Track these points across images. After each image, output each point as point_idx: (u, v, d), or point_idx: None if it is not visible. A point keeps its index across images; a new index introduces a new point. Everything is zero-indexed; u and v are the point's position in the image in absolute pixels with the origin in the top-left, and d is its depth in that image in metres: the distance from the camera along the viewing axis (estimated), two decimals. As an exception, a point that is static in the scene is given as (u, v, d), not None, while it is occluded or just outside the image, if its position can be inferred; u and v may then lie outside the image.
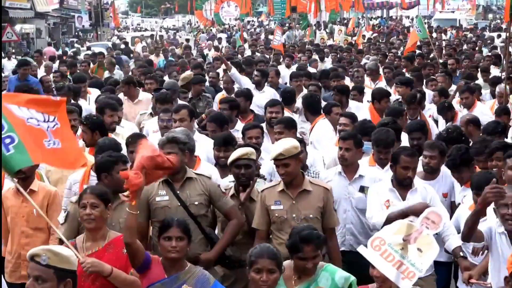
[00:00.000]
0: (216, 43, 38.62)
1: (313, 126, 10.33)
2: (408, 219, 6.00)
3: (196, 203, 6.56)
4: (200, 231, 6.55)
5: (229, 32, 49.35)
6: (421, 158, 7.68)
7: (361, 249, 5.39)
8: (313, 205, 6.59)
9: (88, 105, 12.09)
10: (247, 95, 11.18)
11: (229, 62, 15.00)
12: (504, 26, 35.80)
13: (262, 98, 12.49)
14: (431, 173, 7.75)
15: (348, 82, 14.64)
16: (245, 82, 14.04)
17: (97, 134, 8.49)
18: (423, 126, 8.96)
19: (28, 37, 44.61)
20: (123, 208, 6.20)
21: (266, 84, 13.81)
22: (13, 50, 35.11)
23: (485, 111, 11.52)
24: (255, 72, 13.99)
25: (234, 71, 14.19)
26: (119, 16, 70.94)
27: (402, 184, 7.08)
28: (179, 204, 6.52)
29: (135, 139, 7.72)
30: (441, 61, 19.32)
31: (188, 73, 14.66)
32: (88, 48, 34.07)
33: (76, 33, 56.46)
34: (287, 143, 6.63)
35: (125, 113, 11.16)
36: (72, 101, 11.48)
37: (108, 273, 5.63)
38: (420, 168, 7.69)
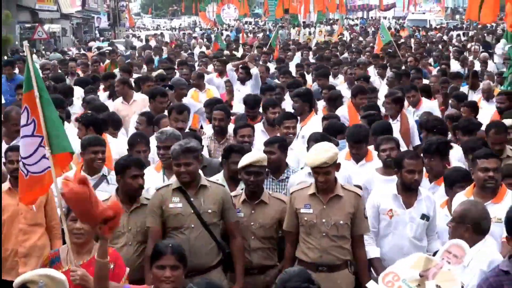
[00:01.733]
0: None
1: (306, 122, 9.22)
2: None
3: (210, 211, 5.69)
4: (213, 239, 5.72)
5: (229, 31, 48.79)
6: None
7: (370, 285, 4.41)
8: (344, 211, 5.64)
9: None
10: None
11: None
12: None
13: (246, 91, 11.97)
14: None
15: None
16: (234, 77, 13.38)
17: (92, 131, 7.81)
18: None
19: (55, 36, 44.30)
20: (139, 212, 5.76)
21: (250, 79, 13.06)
22: (43, 47, 35.48)
23: (433, 107, 10.63)
24: (240, 70, 13.33)
25: (229, 67, 13.52)
26: (133, 17, 70.33)
27: (409, 189, 6.04)
28: (192, 211, 5.66)
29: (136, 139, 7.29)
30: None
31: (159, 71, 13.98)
32: (111, 44, 33.76)
33: (96, 32, 55.96)
34: (329, 150, 5.63)
35: (122, 115, 10.00)
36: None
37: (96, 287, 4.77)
38: (380, 164, 6.98)
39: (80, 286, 4.83)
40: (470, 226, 5.01)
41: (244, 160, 6.00)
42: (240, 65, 13.20)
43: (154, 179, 6.53)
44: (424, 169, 6.54)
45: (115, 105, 10.67)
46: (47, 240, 6.43)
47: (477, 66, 16.93)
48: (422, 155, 6.72)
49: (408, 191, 6.06)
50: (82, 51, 29.54)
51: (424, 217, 5.99)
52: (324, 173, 5.60)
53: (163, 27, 61.57)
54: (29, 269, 5.84)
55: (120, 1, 65.39)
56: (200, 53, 23.22)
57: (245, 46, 26.54)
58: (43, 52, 31.91)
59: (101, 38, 47.76)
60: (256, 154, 6.16)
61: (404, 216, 6.03)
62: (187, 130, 8.19)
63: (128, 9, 64.42)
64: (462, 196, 5.83)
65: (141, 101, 10.69)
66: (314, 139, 6.82)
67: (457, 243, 4.59)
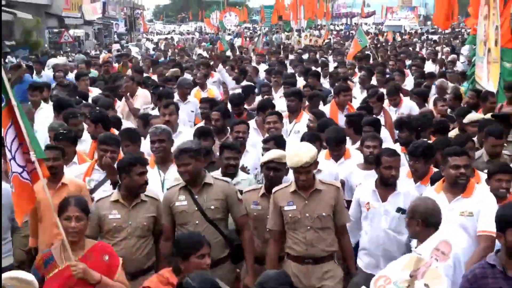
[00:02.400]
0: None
1: (299, 119, 8.74)
2: (416, 253, 4.35)
3: (212, 207, 5.30)
4: (219, 234, 5.32)
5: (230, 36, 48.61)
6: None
7: None
8: (325, 204, 5.27)
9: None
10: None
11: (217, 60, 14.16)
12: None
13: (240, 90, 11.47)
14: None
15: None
16: (227, 78, 13.16)
17: (100, 127, 7.32)
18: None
19: (79, 39, 44.00)
20: (139, 208, 5.34)
21: (244, 79, 12.90)
22: (69, 49, 35.67)
23: (413, 106, 10.06)
24: (236, 70, 13.12)
25: (220, 68, 13.30)
26: (146, 23, 70.11)
27: (386, 184, 5.65)
28: (196, 208, 5.28)
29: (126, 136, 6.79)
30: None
31: (173, 70, 13.72)
32: (123, 47, 33.69)
33: (115, 36, 55.69)
34: (310, 150, 5.26)
35: (127, 110, 9.97)
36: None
37: (98, 280, 4.42)
38: (358, 161, 6.63)
39: (81, 283, 4.44)
40: (420, 221, 4.61)
41: (266, 156, 5.66)
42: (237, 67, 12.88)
43: (150, 175, 6.05)
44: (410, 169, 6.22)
45: (122, 101, 10.38)
46: None
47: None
48: (408, 153, 6.34)
49: (386, 186, 5.66)
50: (98, 53, 29.41)
51: (399, 210, 5.55)
52: (306, 172, 5.22)
53: (172, 31, 61.52)
54: None
55: (135, 9, 65.83)
56: (198, 55, 22.82)
57: (243, 48, 26.26)
58: (69, 53, 31.74)
59: (122, 42, 47.63)
60: (278, 152, 5.70)
61: (380, 209, 5.63)
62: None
63: (143, 16, 64.91)
64: (432, 192, 5.42)
65: (143, 97, 10.48)
66: (307, 139, 6.48)
67: (445, 240, 4.21)
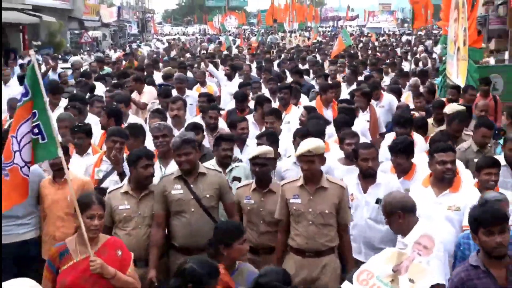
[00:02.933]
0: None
1: (288, 111, 8.53)
2: (399, 247, 4.00)
3: (208, 195, 5.01)
4: (212, 220, 5.00)
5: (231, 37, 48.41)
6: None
7: (345, 286, 3.57)
8: (329, 201, 4.90)
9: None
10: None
11: (206, 60, 14.00)
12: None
13: (232, 86, 11.38)
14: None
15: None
16: (219, 75, 12.86)
17: (112, 121, 7.06)
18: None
19: (97, 40, 43.54)
20: (148, 198, 5.08)
21: (236, 75, 12.59)
22: (88, 48, 35.40)
23: (392, 100, 9.79)
24: (227, 67, 12.83)
25: (210, 67, 13.09)
26: (156, 25, 69.54)
27: (366, 176, 5.32)
28: (192, 197, 4.98)
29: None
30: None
31: (166, 68, 13.38)
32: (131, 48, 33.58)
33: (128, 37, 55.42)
34: (316, 142, 4.96)
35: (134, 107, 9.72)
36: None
37: (113, 275, 4.07)
38: (340, 154, 6.28)
39: (96, 277, 4.10)
40: (400, 212, 4.28)
41: (252, 153, 5.37)
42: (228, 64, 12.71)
43: None
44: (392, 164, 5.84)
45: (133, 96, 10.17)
46: None
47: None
48: (388, 149, 5.93)
49: (366, 178, 5.35)
50: (114, 52, 29.33)
51: (378, 201, 5.18)
52: (307, 162, 4.89)
53: (182, 33, 61.18)
54: None
55: (146, 13, 65.62)
56: (202, 53, 22.59)
57: (240, 48, 26.15)
58: (89, 52, 31.65)
59: (137, 42, 47.23)
60: (262, 148, 5.43)
61: (361, 200, 5.33)
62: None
63: (153, 19, 64.91)
64: (419, 186, 5.14)
65: (149, 93, 10.32)
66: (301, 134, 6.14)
67: (426, 234, 3.77)
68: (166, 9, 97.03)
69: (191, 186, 5.04)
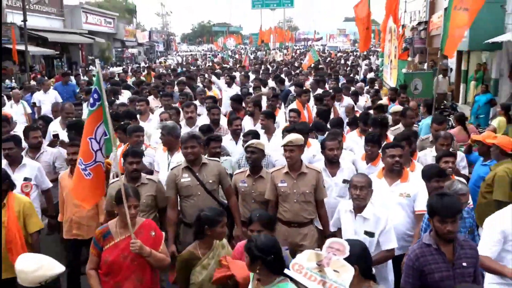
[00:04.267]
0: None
1: (277, 114, 7.64)
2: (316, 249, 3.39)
3: (211, 181, 4.63)
4: (215, 200, 4.66)
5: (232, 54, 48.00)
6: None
7: (286, 271, 2.98)
8: (308, 183, 4.55)
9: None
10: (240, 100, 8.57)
11: (209, 71, 13.72)
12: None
13: (231, 92, 10.81)
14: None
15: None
16: (219, 83, 12.32)
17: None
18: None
19: (134, 55, 43.40)
20: (142, 188, 4.42)
21: (234, 84, 12.04)
22: (128, 61, 35.80)
23: (350, 101, 9.26)
24: (226, 77, 12.31)
25: (213, 77, 12.89)
26: (177, 45, 68.86)
27: (331, 162, 4.93)
28: (197, 183, 4.60)
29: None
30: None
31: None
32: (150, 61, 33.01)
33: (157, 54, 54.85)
34: (296, 136, 4.64)
35: (152, 106, 8.78)
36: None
37: (148, 254, 3.64)
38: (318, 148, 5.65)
39: (134, 255, 3.66)
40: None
41: (246, 143, 5.02)
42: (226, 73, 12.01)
43: (161, 156, 5.54)
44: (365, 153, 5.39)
45: (150, 99, 9.25)
46: (95, 214, 5.02)
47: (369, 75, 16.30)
48: (365, 140, 5.42)
49: (331, 164, 5.00)
50: (144, 64, 28.88)
51: (345, 181, 4.87)
52: (290, 151, 4.58)
53: (191, 50, 60.53)
54: (80, 233, 4.95)
55: (169, 35, 65.10)
56: (208, 66, 21.74)
57: (237, 61, 26.12)
58: (128, 64, 31.55)
59: (163, 58, 46.56)
60: (255, 140, 5.04)
61: (331, 182, 4.96)
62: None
63: (174, 40, 64.60)
64: (375, 178, 4.57)
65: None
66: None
67: (335, 240, 3.02)
68: (183, 33, 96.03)
69: (197, 174, 4.68)
